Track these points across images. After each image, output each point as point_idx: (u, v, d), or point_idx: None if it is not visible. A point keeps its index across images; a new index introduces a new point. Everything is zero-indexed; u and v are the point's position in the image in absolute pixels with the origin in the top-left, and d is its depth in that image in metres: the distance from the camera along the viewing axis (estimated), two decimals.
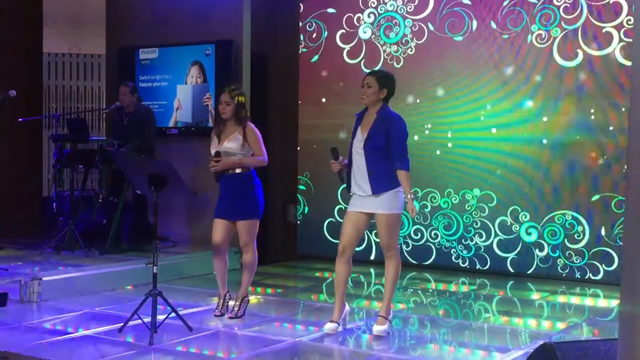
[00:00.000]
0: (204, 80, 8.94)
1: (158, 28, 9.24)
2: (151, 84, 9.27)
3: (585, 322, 6.10)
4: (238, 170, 5.80)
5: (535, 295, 7.20)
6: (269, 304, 6.69)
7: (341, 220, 8.68)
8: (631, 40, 6.91)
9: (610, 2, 7.47)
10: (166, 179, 5.36)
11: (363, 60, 8.75)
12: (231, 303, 6.02)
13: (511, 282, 7.69)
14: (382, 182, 5.28)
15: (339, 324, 5.48)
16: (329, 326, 5.46)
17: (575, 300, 7.08)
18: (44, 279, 6.57)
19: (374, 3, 8.71)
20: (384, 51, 8.64)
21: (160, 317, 5.29)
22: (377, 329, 5.43)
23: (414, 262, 8.43)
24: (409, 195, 5.25)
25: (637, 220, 2.25)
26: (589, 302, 7.00)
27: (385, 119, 5.33)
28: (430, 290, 7.41)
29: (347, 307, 5.60)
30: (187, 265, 7.98)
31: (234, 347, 5.31)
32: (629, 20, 7.36)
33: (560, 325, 6.04)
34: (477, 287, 7.50)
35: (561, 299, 7.10)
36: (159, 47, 9.22)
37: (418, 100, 8.37)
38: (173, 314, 5.40)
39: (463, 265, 8.24)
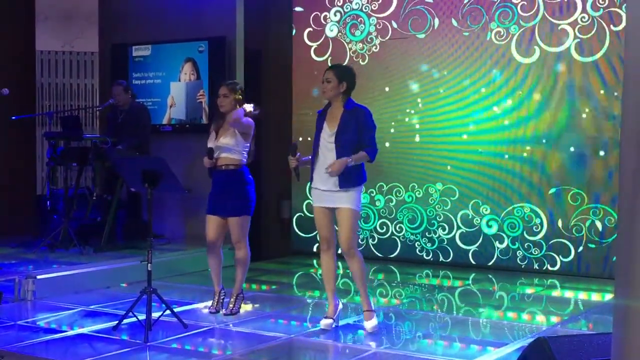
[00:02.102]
0: (197, 77, 8.93)
1: (151, 25, 9.22)
2: (144, 81, 9.26)
3: (583, 315, 6.13)
4: (231, 167, 5.80)
5: (528, 290, 7.22)
6: (264, 300, 6.69)
7: (310, 215, 8.86)
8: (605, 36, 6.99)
9: (565, 0, 7.65)
10: (160, 176, 5.35)
11: (330, 57, 8.88)
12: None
13: (473, 274, 7.81)
14: (350, 176, 5.27)
15: (334, 320, 5.48)
16: (324, 322, 5.47)
17: (570, 294, 7.09)
18: (38, 277, 6.56)
19: (339, 1, 8.86)
20: (350, 49, 8.79)
21: (155, 315, 5.29)
22: (369, 324, 5.41)
23: (379, 255, 8.59)
24: (348, 159, 5.19)
25: (631, 214, 2.26)
26: (582, 295, 7.02)
27: (353, 111, 5.36)
28: (414, 285, 7.43)
29: (340, 304, 5.60)
30: (181, 262, 7.97)
31: (229, 344, 5.32)
32: (583, 17, 7.56)
33: (555, 319, 6.06)
34: (472, 282, 7.51)
35: (555, 293, 7.12)
36: (152, 44, 9.21)
37: (382, 97, 8.46)
38: (168, 311, 5.40)
39: (427, 258, 8.40)
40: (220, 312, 5.95)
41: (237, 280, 5.96)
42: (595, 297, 6.96)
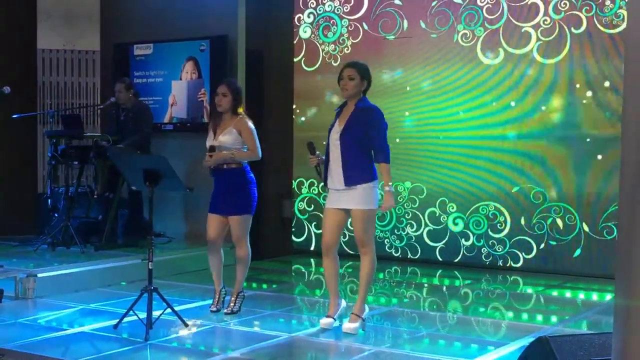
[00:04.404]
0: (198, 76, 8.93)
1: (152, 24, 9.22)
2: (146, 79, 9.26)
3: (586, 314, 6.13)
4: (233, 165, 5.79)
5: (523, 290, 7.23)
6: (265, 299, 6.69)
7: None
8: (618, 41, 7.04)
9: (529, 3, 7.82)
10: (161, 175, 5.35)
11: (303, 59, 9.02)
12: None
13: (440, 271, 7.99)
14: (355, 174, 5.21)
15: (334, 319, 5.47)
16: (324, 321, 5.45)
17: (568, 294, 7.11)
18: (39, 275, 6.56)
19: (313, 4, 9.00)
20: (323, 50, 8.92)
21: (155, 313, 5.28)
22: (347, 326, 5.34)
23: (350, 252, 8.63)
24: (386, 188, 5.20)
25: (631, 214, 2.26)
26: (580, 295, 7.04)
27: (364, 109, 5.30)
28: (413, 285, 7.44)
29: (343, 303, 5.58)
30: (182, 261, 7.97)
31: (229, 343, 5.31)
32: (545, 20, 7.74)
33: (554, 319, 6.07)
34: (474, 281, 7.52)
35: (554, 293, 7.13)
36: (153, 43, 9.21)
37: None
38: (169, 310, 5.40)
39: (396, 255, 8.53)
40: (221, 310, 5.95)
41: (238, 279, 5.96)
42: (556, 293, 7.16)
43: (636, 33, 2.28)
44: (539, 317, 6.24)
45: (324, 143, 5.49)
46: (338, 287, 5.53)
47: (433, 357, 4.84)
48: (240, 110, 5.89)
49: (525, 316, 6.28)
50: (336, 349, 5.18)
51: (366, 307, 5.49)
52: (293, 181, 9.03)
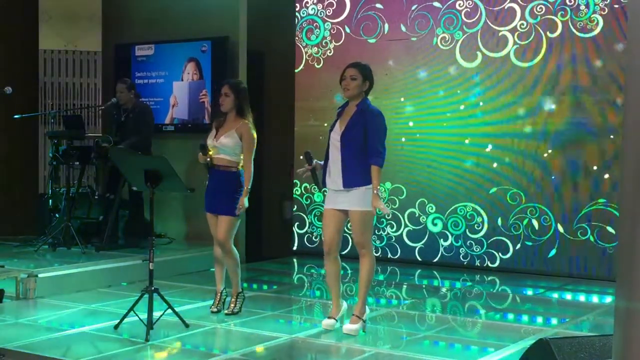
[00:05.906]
0: (200, 77, 8.94)
1: (154, 25, 9.23)
2: (147, 80, 9.26)
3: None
4: (228, 168, 5.78)
5: (522, 291, 7.23)
6: (265, 300, 6.70)
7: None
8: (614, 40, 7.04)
9: (506, 7, 7.93)
10: (162, 176, 5.35)
11: None
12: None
13: (419, 271, 8.06)
14: (354, 175, 5.20)
15: (336, 320, 5.47)
16: (326, 322, 5.45)
17: (569, 296, 7.11)
18: (40, 275, 6.56)
19: (296, 7, 9.08)
20: (306, 52, 9.00)
21: (156, 314, 5.29)
22: (348, 327, 5.34)
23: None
24: (374, 191, 5.15)
25: (632, 215, 2.26)
26: (586, 298, 7.03)
27: (364, 112, 5.28)
28: (403, 286, 7.44)
29: (345, 304, 5.57)
30: (183, 261, 7.98)
31: (230, 344, 5.32)
32: (522, 24, 7.85)
33: (554, 321, 6.06)
34: (474, 283, 7.53)
35: (555, 295, 7.12)
36: (155, 44, 9.22)
37: (336, 100, 8.54)
38: (169, 311, 5.41)
39: (376, 255, 8.41)
40: (222, 311, 5.95)
41: (233, 281, 5.94)
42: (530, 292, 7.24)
43: (637, 35, 2.28)
44: (539, 319, 6.25)
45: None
46: (340, 289, 5.53)
47: (433, 359, 4.84)
48: (248, 117, 5.85)
49: (525, 318, 6.28)
50: (336, 350, 5.18)
51: (367, 308, 5.50)
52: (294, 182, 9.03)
